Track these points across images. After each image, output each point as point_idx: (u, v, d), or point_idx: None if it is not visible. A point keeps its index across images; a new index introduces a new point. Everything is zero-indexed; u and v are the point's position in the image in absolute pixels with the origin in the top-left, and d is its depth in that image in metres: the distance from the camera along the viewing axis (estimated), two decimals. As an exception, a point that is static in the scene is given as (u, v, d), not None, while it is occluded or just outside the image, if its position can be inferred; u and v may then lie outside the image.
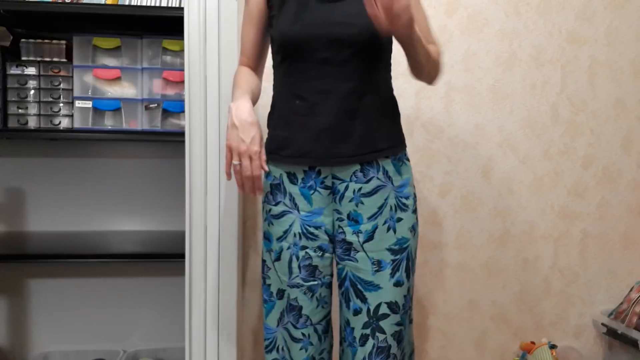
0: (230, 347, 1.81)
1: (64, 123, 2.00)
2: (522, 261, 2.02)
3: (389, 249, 1.21)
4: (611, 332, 1.96)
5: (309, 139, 1.20)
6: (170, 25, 1.88)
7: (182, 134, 1.79)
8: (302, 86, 1.20)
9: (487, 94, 1.96)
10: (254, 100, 1.24)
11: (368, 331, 1.20)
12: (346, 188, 1.21)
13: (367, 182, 1.20)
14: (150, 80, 2.01)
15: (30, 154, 2.14)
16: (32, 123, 1.99)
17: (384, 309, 1.19)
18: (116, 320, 2.20)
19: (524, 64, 1.97)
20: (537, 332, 2.05)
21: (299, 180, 1.22)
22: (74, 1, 1.87)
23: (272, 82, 1.34)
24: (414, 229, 1.25)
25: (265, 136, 1.26)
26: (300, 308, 1.22)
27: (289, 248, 1.22)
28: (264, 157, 1.15)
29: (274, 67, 1.30)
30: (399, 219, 1.22)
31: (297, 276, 1.21)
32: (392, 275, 1.20)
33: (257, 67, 1.34)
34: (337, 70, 1.17)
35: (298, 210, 1.22)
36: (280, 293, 1.25)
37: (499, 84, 1.96)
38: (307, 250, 1.21)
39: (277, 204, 1.24)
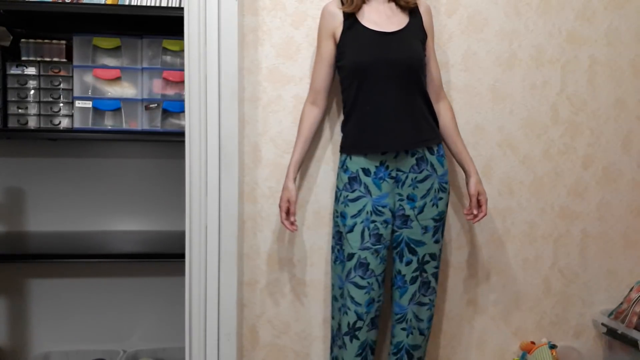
0: (230, 347, 1.81)
1: (64, 123, 2.00)
2: (522, 261, 2.02)
3: (432, 219, 1.69)
4: (611, 332, 1.96)
5: (379, 135, 1.63)
6: (170, 25, 1.88)
7: (182, 134, 1.79)
8: (372, 98, 1.62)
9: (487, 94, 1.96)
10: (306, 151, 1.76)
11: (417, 273, 1.69)
12: (406, 177, 1.66)
13: (420, 172, 1.67)
14: (150, 80, 2.01)
15: (30, 154, 2.14)
16: (32, 123, 1.99)
17: (427, 258, 1.70)
18: (116, 320, 2.21)
19: (524, 64, 1.97)
20: (537, 332, 2.05)
21: (372, 174, 1.65)
22: (74, 1, 1.87)
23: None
24: (447, 204, 1.74)
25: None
26: (368, 264, 1.65)
27: (362, 222, 1.64)
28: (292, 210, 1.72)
29: (344, 90, 1.69)
30: (440, 198, 1.70)
31: (368, 242, 1.65)
32: (433, 235, 1.70)
33: (323, 100, 1.74)
34: (396, 84, 1.61)
35: (370, 195, 1.65)
36: (350, 256, 1.66)
37: (499, 84, 1.96)
38: (376, 223, 1.65)
39: (353, 191, 1.66)
